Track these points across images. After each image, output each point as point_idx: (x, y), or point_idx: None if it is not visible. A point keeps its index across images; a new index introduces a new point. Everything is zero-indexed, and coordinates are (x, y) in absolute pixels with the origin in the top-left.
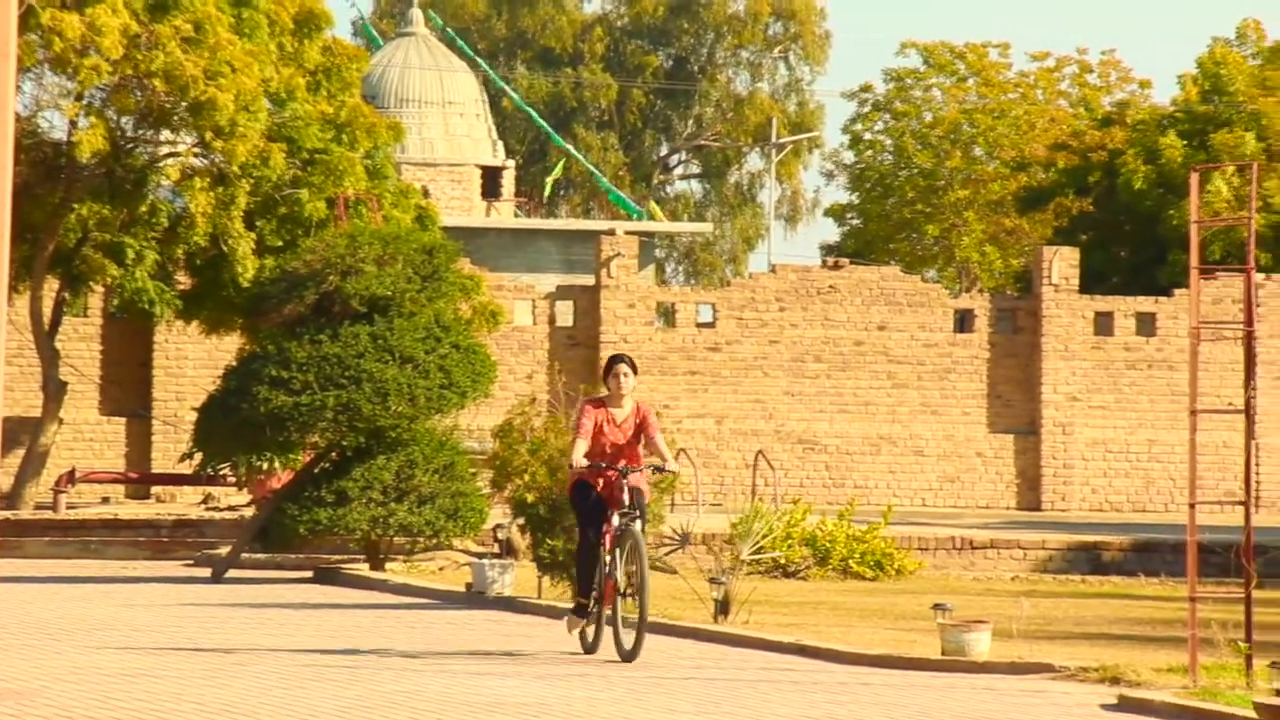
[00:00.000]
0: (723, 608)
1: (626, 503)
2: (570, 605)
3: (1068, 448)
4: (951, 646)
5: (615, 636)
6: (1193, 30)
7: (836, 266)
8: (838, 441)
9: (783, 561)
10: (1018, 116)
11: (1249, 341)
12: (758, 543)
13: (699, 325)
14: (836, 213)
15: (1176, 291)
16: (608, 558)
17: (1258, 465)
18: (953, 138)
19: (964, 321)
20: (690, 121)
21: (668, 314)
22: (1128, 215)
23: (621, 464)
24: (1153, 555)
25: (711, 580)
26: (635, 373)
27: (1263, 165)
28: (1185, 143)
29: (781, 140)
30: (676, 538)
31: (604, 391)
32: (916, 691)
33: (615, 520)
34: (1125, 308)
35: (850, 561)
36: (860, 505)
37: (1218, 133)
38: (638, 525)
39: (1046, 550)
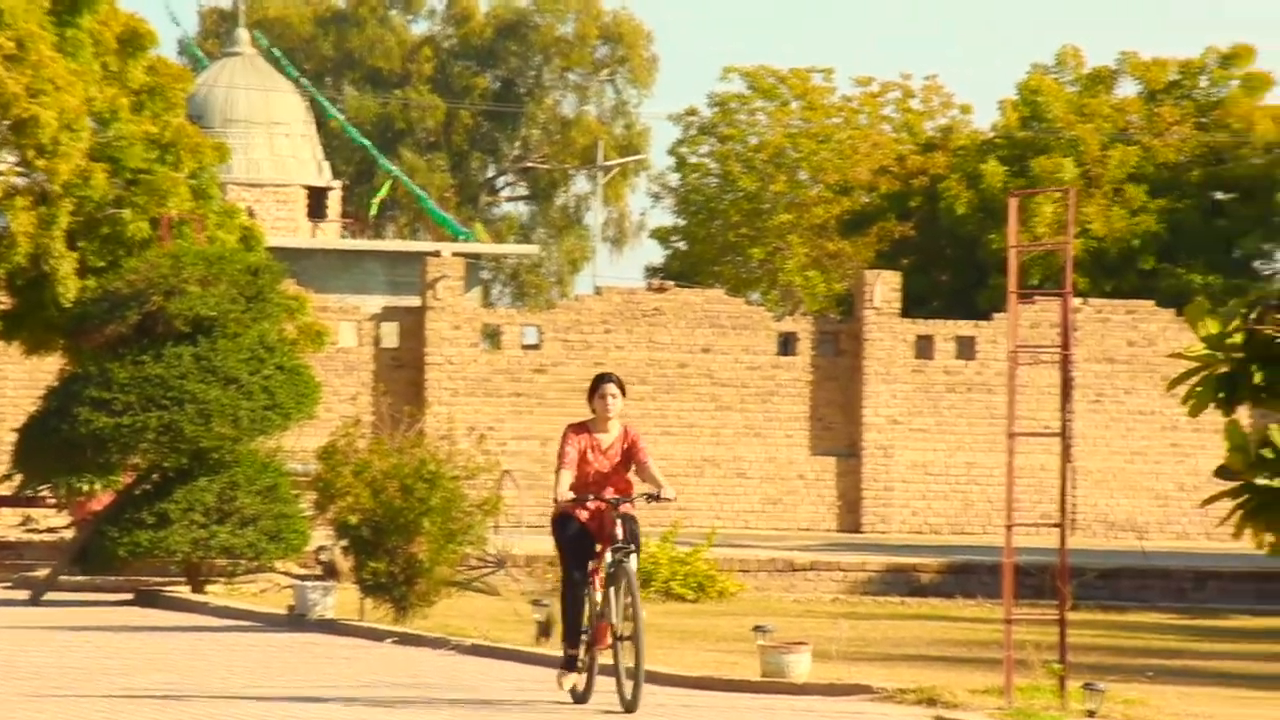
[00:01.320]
0: (545, 630)
1: (620, 536)
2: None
3: (888, 470)
4: (771, 668)
5: (619, 685)
6: (1015, 56)
7: (661, 289)
8: (662, 463)
9: None
10: (841, 141)
11: (1065, 365)
12: None
13: (524, 347)
14: (662, 235)
15: (996, 315)
16: (599, 597)
17: (1073, 488)
18: (777, 161)
19: (787, 344)
20: (517, 143)
21: (493, 336)
22: (949, 240)
23: (609, 493)
24: (970, 577)
25: (534, 602)
26: (624, 393)
27: (1080, 191)
28: (1005, 168)
29: (608, 163)
30: (491, 560)
31: (589, 415)
32: (737, 713)
33: (608, 557)
34: (946, 331)
35: (673, 583)
36: (683, 527)
37: (1037, 159)
38: (632, 562)
39: (866, 572)
